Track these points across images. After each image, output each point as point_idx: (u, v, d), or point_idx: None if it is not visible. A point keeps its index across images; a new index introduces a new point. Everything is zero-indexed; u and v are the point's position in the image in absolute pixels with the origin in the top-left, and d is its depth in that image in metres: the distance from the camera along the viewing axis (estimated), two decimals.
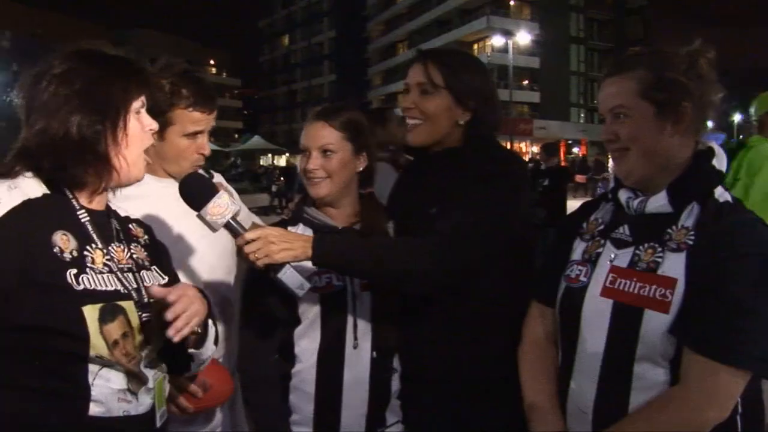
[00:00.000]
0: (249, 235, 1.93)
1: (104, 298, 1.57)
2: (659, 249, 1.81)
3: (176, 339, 1.58)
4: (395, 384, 2.35)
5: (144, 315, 1.66)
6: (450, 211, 2.15)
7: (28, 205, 1.54)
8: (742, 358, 1.66)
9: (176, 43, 79.97)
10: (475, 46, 59.57)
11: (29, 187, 1.59)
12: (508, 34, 45.03)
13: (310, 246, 1.97)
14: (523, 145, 51.99)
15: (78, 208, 1.65)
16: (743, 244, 1.72)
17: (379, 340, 2.26)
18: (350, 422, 2.24)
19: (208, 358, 1.93)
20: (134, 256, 1.76)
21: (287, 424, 2.26)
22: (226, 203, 1.91)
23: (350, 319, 2.23)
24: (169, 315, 1.56)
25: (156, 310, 1.64)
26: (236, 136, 78.32)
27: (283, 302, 2.21)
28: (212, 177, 2.52)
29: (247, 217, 2.54)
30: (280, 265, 1.93)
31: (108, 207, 1.77)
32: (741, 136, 23.62)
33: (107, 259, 1.65)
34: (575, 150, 54.87)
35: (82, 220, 1.65)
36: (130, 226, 1.85)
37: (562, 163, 17.36)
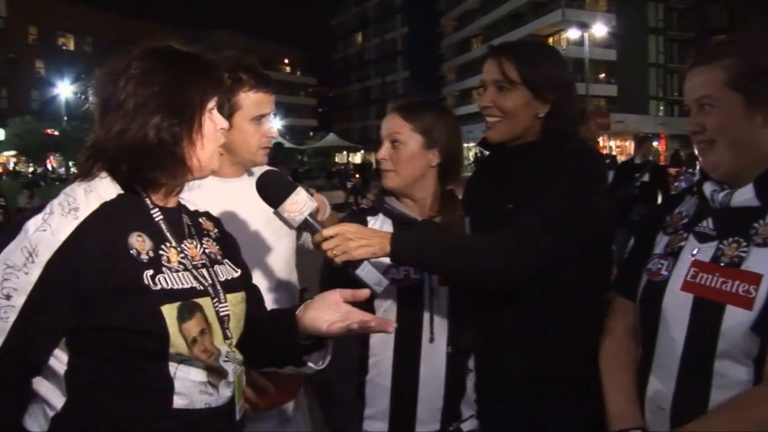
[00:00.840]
0: (327, 232, 1.93)
1: (181, 297, 1.58)
2: (744, 244, 1.75)
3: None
4: (471, 378, 2.34)
5: (221, 310, 1.68)
6: (524, 209, 2.10)
7: (104, 209, 1.54)
8: None
9: (250, 44, 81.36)
10: (550, 40, 58.66)
11: (104, 188, 1.59)
12: (583, 26, 44.28)
13: (388, 242, 1.97)
14: (600, 139, 51.07)
15: (152, 207, 1.65)
16: None
17: (455, 336, 2.25)
18: (426, 416, 2.24)
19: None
20: (207, 251, 1.76)
21: (359, 420, 2.28)
22: (303, 200, 1.91)
23: (426, 314, 2.22)
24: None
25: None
26: (311, 134, 79.29)
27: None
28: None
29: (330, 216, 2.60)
30: (358, 262, 1.93)
31: (179, 203, 1.77)
32: None
33: (181, 257, 1.65)
34: (654, 144, 53.58)
35: (156, 220, 1.64)
36: (200, 220, 1.84)
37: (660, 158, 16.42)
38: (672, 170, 20.38)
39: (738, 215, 1.81)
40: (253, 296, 1.89)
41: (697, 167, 2.13)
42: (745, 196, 1.79)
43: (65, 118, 42.51)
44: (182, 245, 1.68)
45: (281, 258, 2.50)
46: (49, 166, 44.58)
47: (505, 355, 2.25)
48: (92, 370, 1.52)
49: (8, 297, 1.43)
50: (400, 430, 2.27)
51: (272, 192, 1.94)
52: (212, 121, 1.68)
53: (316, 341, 1.82)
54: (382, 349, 2.24)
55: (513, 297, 2.20)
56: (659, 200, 9.08)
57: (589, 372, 2.04)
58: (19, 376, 1.51)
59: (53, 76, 48.41)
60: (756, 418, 1.65)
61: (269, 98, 2.40)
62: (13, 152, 44.34)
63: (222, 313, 1.68)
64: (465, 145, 2.90)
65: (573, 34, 47.56)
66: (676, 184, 16.19)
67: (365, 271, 1.92)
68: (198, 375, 1.60)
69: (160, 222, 1.65)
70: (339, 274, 2.06)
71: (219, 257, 1.80)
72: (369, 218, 2.33)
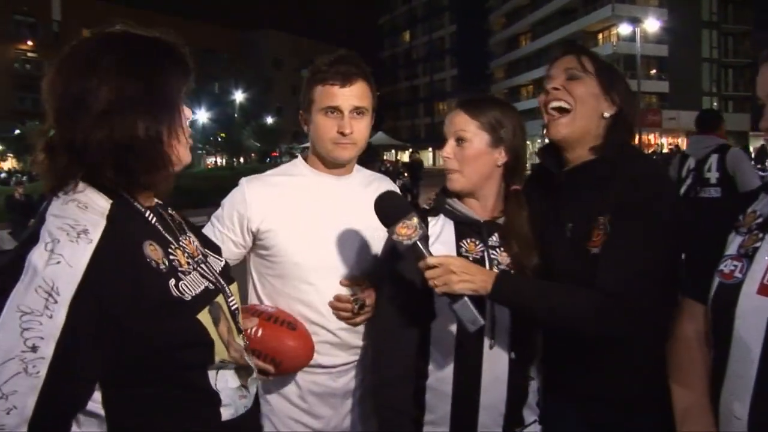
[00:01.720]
0: (431, 261, 1.94)
1: (206, 300, 1.50)
2: None
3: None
4: (534, 383, 2.29)
5: (231, 304, 1.63)
6: (610, 251, 2.02)
7: (112, 223, 1.38)
8: None
9: (298, 42, 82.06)
10: (600, 36, 58.07)
11: (95, 201, 1.42)
12: (635, 21, 43.57)
13: (491, 282, 1.95)
14: (651, 137, 50.29)
15: (143, 210, 1.52)
16: None
17: (517, 342, 2.18)
18: (488, 422, 2.18)
19: None
20: (195, 243, 1.67)
21: (418, 426, 2.22)
22: (414, 226, 1.94)
23: (488, 318, 2.12)
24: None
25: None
26: None
27: (419, 295, 2.15)
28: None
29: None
30: (458, 296, 1.93)
31: (155, 200, 1.62)
32: None
33: (187, 257, 1.55)
34: None
35: (153, 222, 1.53)
36: (173, 212, 1.69)
37: None
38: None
39: None
40: None
41: None
42: None
43: None
44: (181, 244, 1.58)
45: (361, 250, 2.47)
46: None
47: (571, 365, 2.21)
48: (132, 398, 1.41)
49: (34, 348, 1.22)
50: None
51: (387, 212, 2.00)
52: (184, 111, 1.55)
53: None
54: (442, 355, 2.19)
55: None
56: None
57: (656, 383, 1.98)
58: None
59: None
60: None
61: (342, 92, 2.34)
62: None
63: (233, 307, 1.63)
64: None
65: (624, 29, 46.77)
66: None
67: (462, 307, 1.93)
68: (233, 380, 1.56)
69: (156, 224, 1.53)
70: (397, 273, 2.19)
71: (203, 249, 1.71)
72: (430, 219, 2.28)
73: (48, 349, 1.23)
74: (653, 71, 56.18)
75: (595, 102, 2.19)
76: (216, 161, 59.99)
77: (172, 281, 1.44)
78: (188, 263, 1.54)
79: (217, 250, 1.80)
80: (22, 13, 53.27)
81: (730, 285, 1.77)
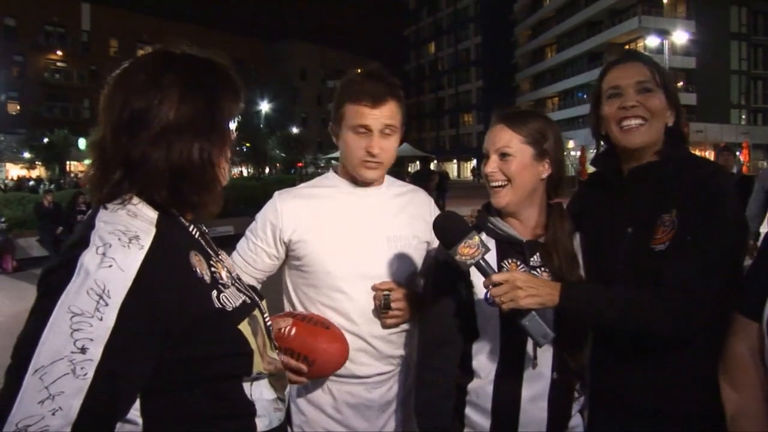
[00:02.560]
0: (496, 278, 1.92)
1: (245, 312, 1.52)
2: None
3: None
4: (578, 403, 2.26)
5: (266, 319, 1.65)
6: (679, 251, 1.99)
7: (161, 232, 1.40)
8: None
9: (324, 53, 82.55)
10: (626, 48, 57.78)
11: (143, 211, 1.44)
12: (663, 33, 43.35)
13: (558, 293, 1.94)
14: None
15: (187, 224, 1.55)
16: None
17: (561, 362, 2.15)
18: None
19: None
20: (229, 261, 1.70)
21: None
22: (476, 244, 1.94)
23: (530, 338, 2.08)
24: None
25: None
26: None
27: (463, 314, 2.17)
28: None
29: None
30: (526, 311, 1.91)
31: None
32: None
33: (226, 271, 1.58)
34: (737, 154, 51.80)
35: (196, 237, 1.56)
36: (205, 230, 1.69)
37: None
38: None
39: None
40: None
41: None
42: None
43: None
44: (220, 258, 1.61)
45: (395, 265, 2.46)
46: None
47: (620, 379, 2.16)
48: (170, 406, 1.40)
49: (83, 350, 1.22)
50: None
51: (447, 233, 1.99)
52: (231, 134, 1.58)
53: None
54: (484, 372, 2.18)
55: None
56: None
57: (711, 397, 1.93)
58: None
59: None
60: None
61: (372, 112, 2.33)
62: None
63: (267, 323, 1.66)
64: None
65: (651, 41, 46.55)
66: None
67: (531, 322, 1.91)
68: (268, 392, 1.56)
69: (199, 238, 1.56)
70: (441, 291, 2.17)
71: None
72: None
73: (97, 352, 1.22)
74: (681, 83, 55.74)
75: (665, 113, 2.17)
76: (241, 171, 60.39)
77: (215, 292, 1.45)
78: (228, 277, 1.56)
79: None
80: (53, 24, 54.15)
81: None
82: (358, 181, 2.48)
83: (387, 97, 2.35)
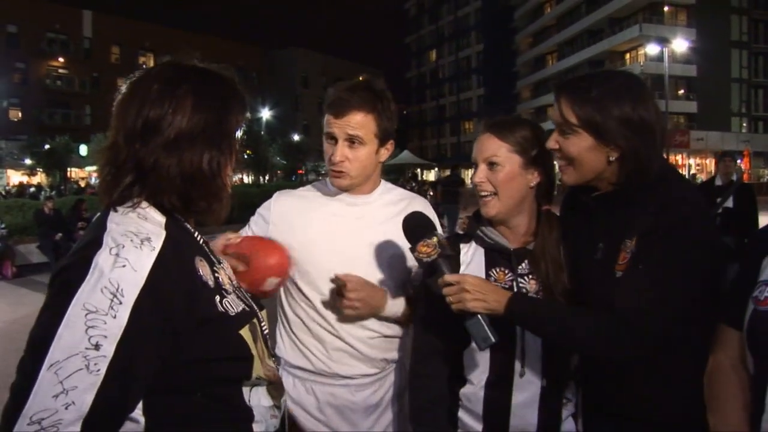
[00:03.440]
0: (448, 278, 1.98)
1: (245, 318, 1.55)
2: None
3: None
4: (568, 408, 2.25)
5: (263, 327, 1.67)
6: (630, 274, 1.96)
7: (170, 236, 1.43)
8: None
9: (326, 61, 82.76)
10: (627, 56, 57.92)
11: (151, 214, 1.49)
12: (663, 41, 43.40)
13: (505, 303, 1.96)
14: (679, 157, 49.85)
15: (192, 230, 1.59)
16: None
17: (550, 369, 2.16)
18: None
19: None
20: (228, 270, 1.71)
21: None
22: (434, 245, 2.00)
23: (519, 346, 2.14)
24: None
25: None
26: None
27: (453, 322, 2.09)
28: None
29: None
30: (472, 314, 1.96)
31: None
32: None
33: (228, 279, 1.62)
34: (737, 161, 51.85)
35: (201, 242, 1.60)
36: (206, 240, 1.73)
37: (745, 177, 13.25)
38: None
39: None
40: None
41: None
42: None
43: None
44: (222, 265, 1.65)
45: (383, 270, 2.48)
46: None
47: (610, 385, 2.13)
48: (172, 407, 1.43)
49: (97, 346, 1.25)
50: None
51: (411, 232, 2.07)
52: (237, 143, 1.63)
53: None
54: (475, 379, 2.20)
55: None
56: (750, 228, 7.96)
57: (697, 405, 1.91)
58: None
59: None
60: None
61: (336, 122, 2.36)
62: (96, 167, 45.78)
63: (265, 331, 1.68)
64: None
65: (651, 49, 46.61)
66: None
67: (474, 325, 1.96)
68: (266, 399, 1.59)
69: (203, 244, 1.61)
70: (433, 301, 2.13)
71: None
72: (462, 246, 2.30)
73: (110, 348, 1.26)
74: (681, 91, 55.84)
75: (592, 154, 2.04)
76: (242, 178, 60.50)
77: (218, 297, 1.49)
78: (229, 284, 1.60)
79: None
80: (54, 31, 54.12)
81: (764, 312, 1.70)
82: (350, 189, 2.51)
83: (352, 107, 2.36)
